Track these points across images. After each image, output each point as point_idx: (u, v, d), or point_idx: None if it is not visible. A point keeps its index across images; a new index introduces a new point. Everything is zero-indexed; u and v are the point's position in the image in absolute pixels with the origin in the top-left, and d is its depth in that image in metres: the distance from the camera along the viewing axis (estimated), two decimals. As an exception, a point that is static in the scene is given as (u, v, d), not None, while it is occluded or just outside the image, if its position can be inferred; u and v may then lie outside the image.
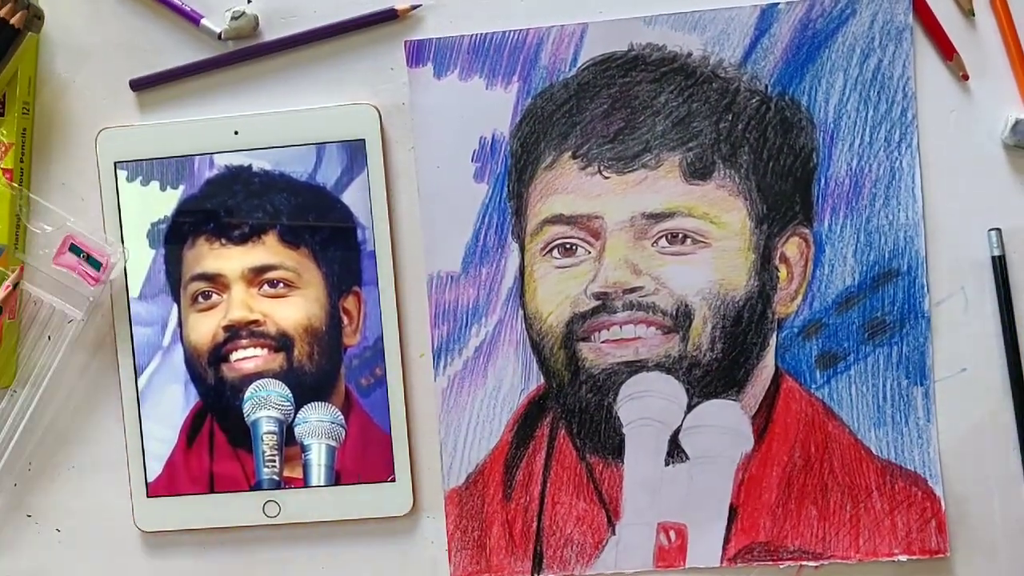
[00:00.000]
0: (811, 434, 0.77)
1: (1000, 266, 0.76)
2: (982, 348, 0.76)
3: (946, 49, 0.76)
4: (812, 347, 0.77)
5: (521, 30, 0.77)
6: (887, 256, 0.76)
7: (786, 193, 0.77)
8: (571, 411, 0.78)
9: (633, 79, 0.77)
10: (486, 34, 0.77)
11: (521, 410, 0.78)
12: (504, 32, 0.77)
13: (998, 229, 0.76)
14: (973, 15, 0.77)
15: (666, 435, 0.77)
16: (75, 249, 0.77)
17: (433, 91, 0.78)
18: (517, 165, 0.78)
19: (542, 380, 0.78)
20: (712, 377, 0.77)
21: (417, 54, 0.77)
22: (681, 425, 0.77)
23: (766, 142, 0.76)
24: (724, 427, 0.77)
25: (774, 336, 0.77)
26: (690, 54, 0.77)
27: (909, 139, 0.76)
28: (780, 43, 0.76)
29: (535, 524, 0.78)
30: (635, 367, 0.77)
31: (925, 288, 0.76)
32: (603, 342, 0.77)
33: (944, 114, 0.76)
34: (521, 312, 0.78)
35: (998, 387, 0.76)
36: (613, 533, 0.78)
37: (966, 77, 0.77)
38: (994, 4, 0.76)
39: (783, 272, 0.77)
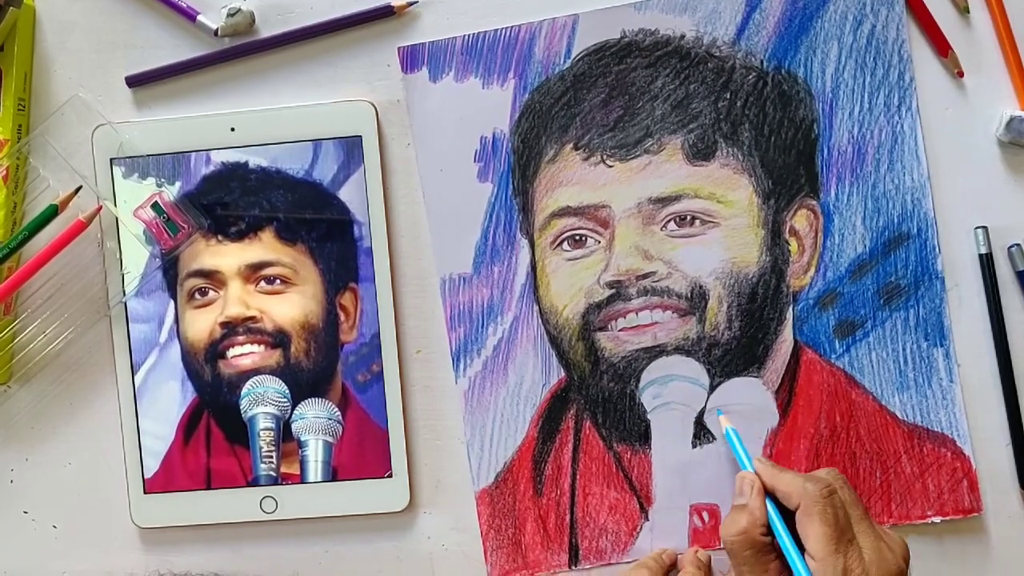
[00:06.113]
0: (835, 404, 0.77)
1: (987, 264, 0.76)
2: (975, 346, 0.77)
3: (941, 46, 0.76)
4: (829, 317, 0.77)
5: (513, 27, 0.77)
6: (896, 220, 0.77)
7: (790, 166, 0.77)
8: (594, 402, 0.78)
9: (628, 66, 0.77)
10: (478, 34, 0.77)
11: (544, 405, 0.78)
12: (496, 30, 0.77)
13: (984, 227, 0.76)
14: (968, 12, 0.77)
15: (691, 417, 0.77)
16: (157, 208, 0.77)
17: (430, 95, 0.78)
18: (520, 161, 0.78)
19: (563, 373, 0.78)
20: (732, 356, 0.77)
21: (411, 59, 0.78)
22: (705, 406, 0.77)
23: (766, 117, 0.76)
24: (748, 404, 0.77)
25: (790, 310, 0.77)
26: (683, 36, 0.77)
27: (908, 102, 0.76)
28: (772, 17, 0.76)
29: (568, 517, 0.78)
30: (654, 352, 0.77)
31: (937, 249, 0.76)
32: (620, 330, 0.77)
33: (939, 111, 0.77)
34: (536, 307, 0.78)
35: (989, 384, 0.77)
36: (646, 519, 0.78)
37: (961, 74, 0.77)
38: (989, 1, 0.76)
39: (794, 245, 0.77)
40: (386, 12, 0.78)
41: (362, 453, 0.78)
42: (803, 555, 0.66)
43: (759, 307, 0.77)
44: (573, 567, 0.78)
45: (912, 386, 0.77)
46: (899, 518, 0.77)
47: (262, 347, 0.78)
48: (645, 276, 0.77)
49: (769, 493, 0.69)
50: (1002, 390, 0.77)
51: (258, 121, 0.78)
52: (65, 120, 0.79)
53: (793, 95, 0.76)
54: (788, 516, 0.68)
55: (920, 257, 0.76)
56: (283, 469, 0.78)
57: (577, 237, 0.77)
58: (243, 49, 0.78)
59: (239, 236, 0.78)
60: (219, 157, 0.78)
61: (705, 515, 0.77)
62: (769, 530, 0.68)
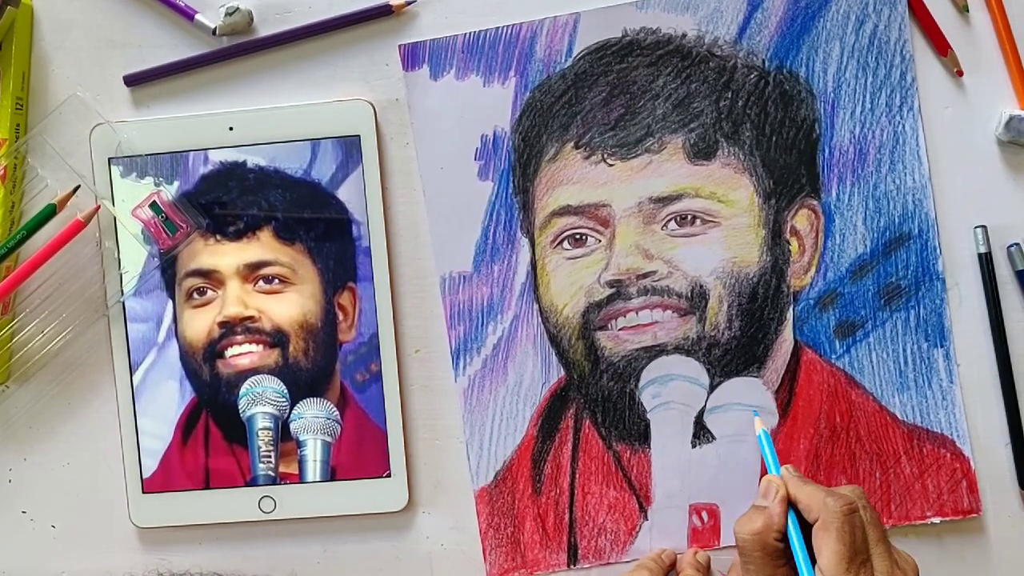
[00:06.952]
0: (835, 404, 0.77)
1: (987, 263, 0.76)
2: (975, 347, 0.77)
3: (940, 45, 0.76)
4: (829, 317, 0.77)
5: (514, 25, 0.77)
6: (897, 221, 0.76)
7: (791, 166, 0.76)
8: (594, 401, 0.78)
9: (630, 64, 0.77)
10: (479, 32, 0.77)
11: (544, 404, 0.78)
12: (497, 28, 0.77)
13: (984, 226, 0.76)
14: (967, 11, 0.77)
15: (691, 417, 0.77)
16: (155, 207, 0.77)
17: (431, 93, 0.77)
18: (520, 160, 0.77)
19: (563, 372, 0.78)
20: (732, 355, 0.77)
21: (412, 57, 0.77)
22: (705, 406, 0.77)
23: (767, 117, 0.76)
24: (748, 404, 0.77)
25: (791, 310, 0.77)
26: (684, 35, 0.76)
27: (910, 102, 0.76)
28: (774, 17, 0.76)
29: (567, 516, 0.78)
30: (654, 352, 0.77)
31: (938, 250, 0.76)
32: (620, 329, 0.77)
33: (938, 110, 0.77)
34: (536, 306, 0.78)
35: (989, 384, 0.77)
36: (646, 518, 0.78)
37: (960, 73, 0.77)
38: (988, 1, 0.76)
39: (794, 245, 0.77)
40: (384, 11, 0.77)
41: (361, 453, 0.78)
42: (814, 569, 0.65)
43: (759, 307, 0.77)
44: (572, 566, 0.78)
45: (912, 387, 0.77)
46: (899, 519, 0.77)
47: (260, 347, 0.78)
48: (645, 275, 0.77)
49: (791, 502, 0.69)
50: (1002, 390, 0.77)
51: (256, 120, 0.78)
52: (63, 119, 0.79)
53: (794, 95, 0.76)
54: (807, 528, 0.68)
55: (921, 258, 0.76)
56: (281, 469, 0.78)
57: (577, 236, 0.77)
58: (241, 48, 0.78)
59: (237, 235, 0.78)
60: (217, 156, 0.78)
61: (704, 515, 0.77)
62: (783, 537, 0.68)
